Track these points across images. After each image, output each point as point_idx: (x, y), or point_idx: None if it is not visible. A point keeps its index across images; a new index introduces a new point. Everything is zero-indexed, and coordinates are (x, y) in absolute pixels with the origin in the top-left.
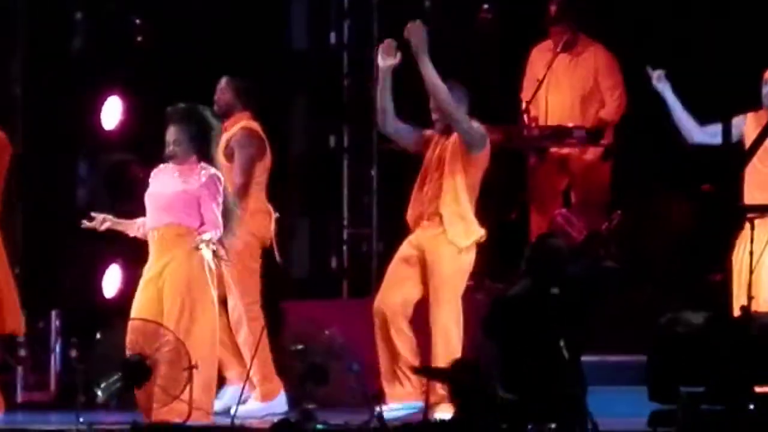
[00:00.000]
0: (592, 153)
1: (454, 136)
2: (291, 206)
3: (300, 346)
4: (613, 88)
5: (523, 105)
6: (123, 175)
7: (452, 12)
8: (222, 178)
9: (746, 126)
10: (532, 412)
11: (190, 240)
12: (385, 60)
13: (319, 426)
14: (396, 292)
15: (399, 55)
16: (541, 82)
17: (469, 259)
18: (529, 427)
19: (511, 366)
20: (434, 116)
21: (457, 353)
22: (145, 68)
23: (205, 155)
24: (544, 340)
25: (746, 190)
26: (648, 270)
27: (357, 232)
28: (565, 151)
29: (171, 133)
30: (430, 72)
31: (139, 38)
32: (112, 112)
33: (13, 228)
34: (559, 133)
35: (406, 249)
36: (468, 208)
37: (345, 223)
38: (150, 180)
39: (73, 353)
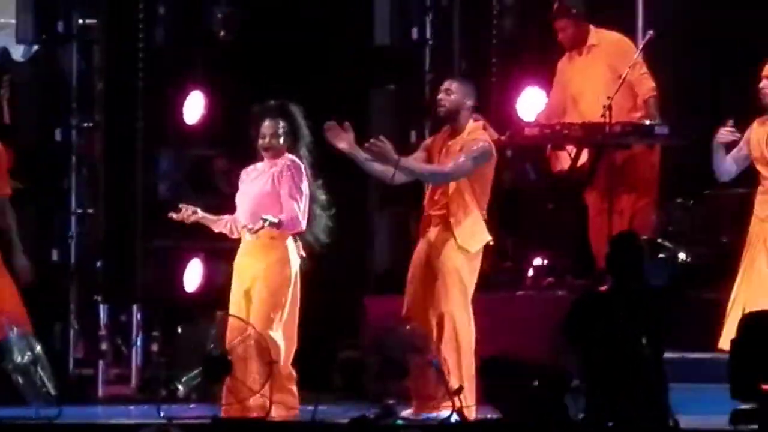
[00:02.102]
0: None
1: (459, 144)
2: (371, 201)
3: (380, 341)
4: (633, 68)
5: (606, 101)
6: (205, 169)
7: (532, 7)
8: (303, 168)
9: (752, 132)
10: (614, 409)
11: (283, 244)
12: (340, 144)
13: (399, 421)
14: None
15: (349, 134)
16: (621, 83)
17: (475, 262)
18: (610, 424)
19: (593, 365)
20: (439, 96)
21: (468, 347)
22: (227, 63)
23: (295, 151)
24: (625, 337)
25: None
26: (730, 266)
27: None
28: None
29: (267, 127)
30: (413, 170)
31: (222, 33)
32: (194, 107)
33: (96, 222)
34: (641, 130)
35: (416, 268)
36: (476, 214)
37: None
38: (240, 180)
39: (155, 347)
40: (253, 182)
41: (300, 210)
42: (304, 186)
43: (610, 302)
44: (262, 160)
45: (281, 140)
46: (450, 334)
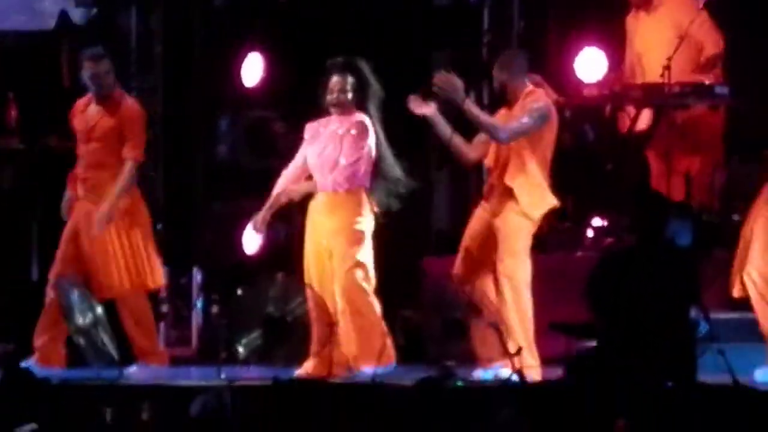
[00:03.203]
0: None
1: (515, 111)
2: (431, 162)
3: (439, 302)
4: (699, 25)
5: (665, 62)
6: (263, 131)
7: None
8: (370, 126)
9: None
10: (644, 368)
11: (354, 199)
12: (421, 110)
13: (459, 383)
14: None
15: (432, 104)
16: (680, 42)
17: (534, 227)
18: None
19: (619, 323)
20: (495, 82)
21: (529, 308)
22: (285, 25)
23: (364, 107)
24: (648, 295)
25: None
26: None
27: None
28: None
29: (335, 83)
30: (476, 116)
31: None
32: (252, 69)
33: (154, 185)
34: (700, 91)
35: (476, 222)
36: (539, 178)
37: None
38: (307, 134)
39: (215, 309)
40: (321, 141)
41: (358, 168)
42: (368, 145)
43: (632, 260)
44: (329, 115)
45: (349, 96)
46: (509, 297)
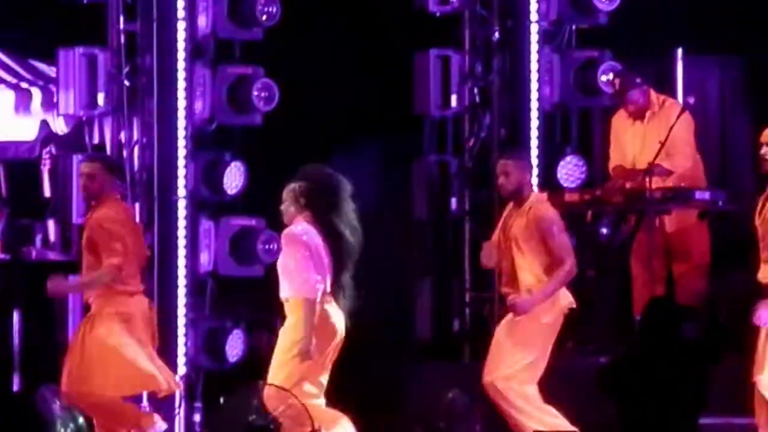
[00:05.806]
0: (686, 213)
1: (528, 219)
2: (414, 269)
3: (424, 409)
4: (680, 144)
5: (646, 166)
6: (246, 239)
7: (571, 72)
8: (299, 235)
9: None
10: None
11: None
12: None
13: None
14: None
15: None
16: (661, 147)
17: (554, 326)
18: None
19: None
20: (500, 182)
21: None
22: (267, 134)
23: (318, 213)
24: (657, 401)
25: None
26: None
27: (479, 295)
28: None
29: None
30: (551, 292)
31: (261, 104)
32: (234, 177)
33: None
34: (681, 195)
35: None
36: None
37: (467, 286)
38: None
39: (197, 418)
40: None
41: (296, 278)
42: (299, 254)
43: (641, 365)
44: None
45: (284, 205)
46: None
